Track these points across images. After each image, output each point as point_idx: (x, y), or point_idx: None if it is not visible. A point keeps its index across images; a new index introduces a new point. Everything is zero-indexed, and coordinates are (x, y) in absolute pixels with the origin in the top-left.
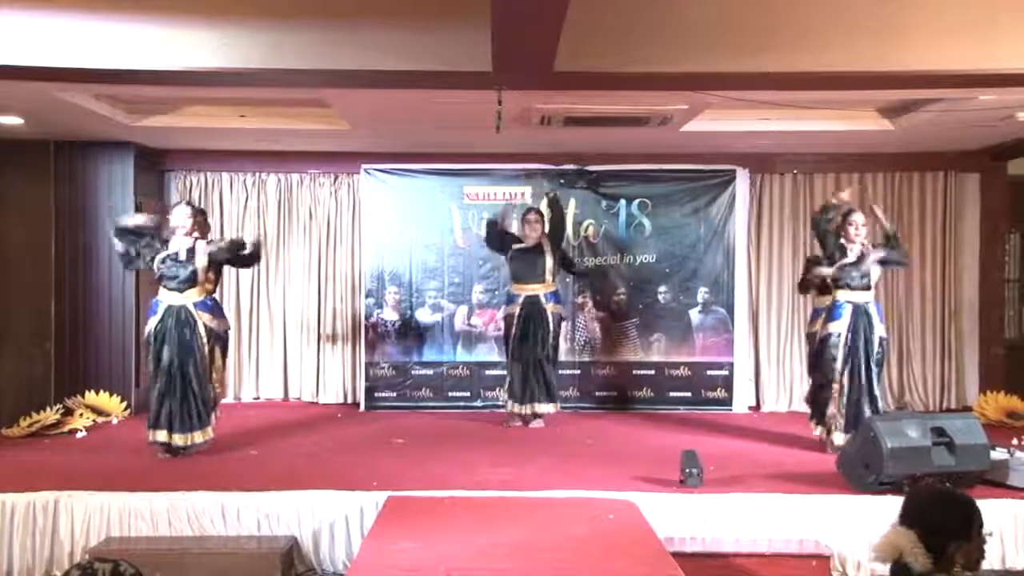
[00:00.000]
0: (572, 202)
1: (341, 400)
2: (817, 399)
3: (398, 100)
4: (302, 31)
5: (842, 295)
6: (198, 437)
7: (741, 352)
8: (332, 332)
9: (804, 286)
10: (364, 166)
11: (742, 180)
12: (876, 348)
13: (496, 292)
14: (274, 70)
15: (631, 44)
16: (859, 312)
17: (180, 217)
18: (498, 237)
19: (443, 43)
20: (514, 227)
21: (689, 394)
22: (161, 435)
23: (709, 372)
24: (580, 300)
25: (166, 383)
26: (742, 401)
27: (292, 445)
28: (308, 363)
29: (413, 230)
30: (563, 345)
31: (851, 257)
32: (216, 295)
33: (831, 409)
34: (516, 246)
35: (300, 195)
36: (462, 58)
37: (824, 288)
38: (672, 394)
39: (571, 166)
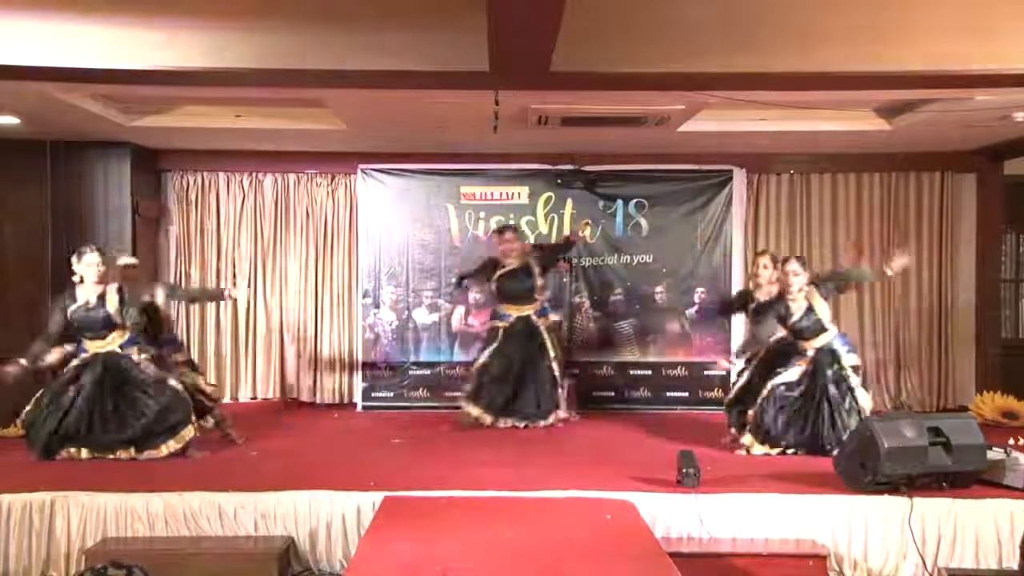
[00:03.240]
0: (569, 202)
1: (338, 400)
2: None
3: (395, 100)
4: (299, 31)
5: (806, 345)
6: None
7: None
8: (329, 332)
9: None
10: (361, 166)
11: (739, 180)
12: (849, 376)
13: None
14: (271, 70)
15: (628, 44)
16: (822, 352)
17: (90, 265)
18: (462, 280)
19: (440, 43)
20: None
21: (686, 394)
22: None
23: (706, 372)
24: (577, 300)
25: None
26: None
27: (289, 445)
28: (305, 363)
29: (410, 230)
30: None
31: (797, 312)
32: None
33: (750, 413)
34: (500, 271)
35: (297, 195)
36: (459, 58)
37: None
38: (669, 394)
39: (568, 166)
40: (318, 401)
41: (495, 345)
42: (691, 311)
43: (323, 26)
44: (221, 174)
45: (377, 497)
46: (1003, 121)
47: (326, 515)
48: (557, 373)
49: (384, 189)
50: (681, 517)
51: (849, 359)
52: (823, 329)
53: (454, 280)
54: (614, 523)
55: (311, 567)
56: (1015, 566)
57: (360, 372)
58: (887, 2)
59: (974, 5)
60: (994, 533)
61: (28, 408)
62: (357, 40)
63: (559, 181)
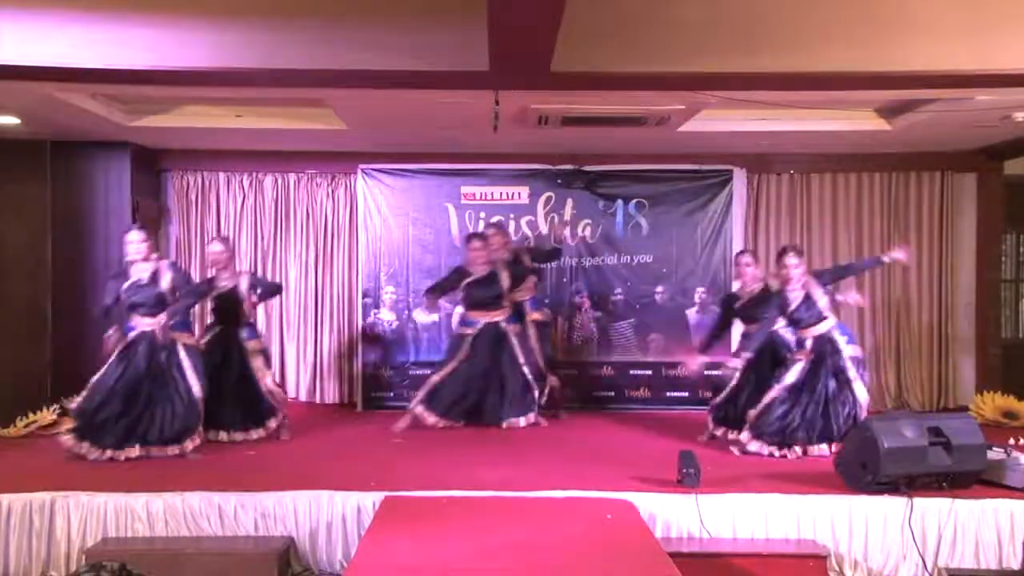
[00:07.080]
0: (569, 202)
1: (338, 400)
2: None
3: (395, 100)
4: (300, 31)
5: (804, 333)
6: None
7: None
8: (329, 332)
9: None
10: (361, 166)
11: (739, 180)
12: (849, 367)
13: None
14: (271, 70)
15: (628, 44)
16: (822, 341)
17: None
18: (432, 293)
19: (440, 43)
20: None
21: (686, 394)
22: None
23: (706, 372)
24: (577, 300)
25: None
26: None
27: (289, 445)
28: (305, 363)
29: (410, 230)
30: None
31: (794, 301)
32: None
33: (751, 412)
34: (466, 280)
35: (297, 195)
36: (459, 58)
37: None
38: (669, 394)
39: (568, 166)
40: (318, 401)
41: (460, 356)
42: (691, 311)
43: (324, 26)
44: (221, 174)
45: (377, 497)
46: (1004, 121)
47: (326, 515)
48: (530, 378)
49: (384, 189)
50: (681, 517)
51: (849, 350)
52: (822, 318)
53: (424, 295)
54: (614, 523)
55: (311, 567)
56: (1015, 566)
57: (360, 372)
58: (887, 2)
59: (974, 5)
60: (994, 533)
61: None
62: (357, 40)
63: (559, 181)
